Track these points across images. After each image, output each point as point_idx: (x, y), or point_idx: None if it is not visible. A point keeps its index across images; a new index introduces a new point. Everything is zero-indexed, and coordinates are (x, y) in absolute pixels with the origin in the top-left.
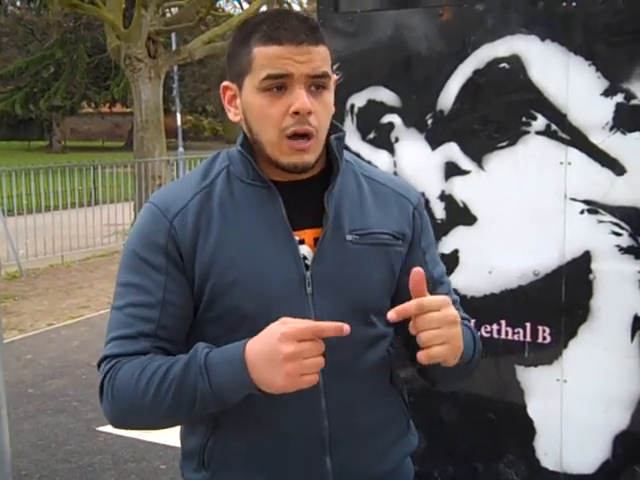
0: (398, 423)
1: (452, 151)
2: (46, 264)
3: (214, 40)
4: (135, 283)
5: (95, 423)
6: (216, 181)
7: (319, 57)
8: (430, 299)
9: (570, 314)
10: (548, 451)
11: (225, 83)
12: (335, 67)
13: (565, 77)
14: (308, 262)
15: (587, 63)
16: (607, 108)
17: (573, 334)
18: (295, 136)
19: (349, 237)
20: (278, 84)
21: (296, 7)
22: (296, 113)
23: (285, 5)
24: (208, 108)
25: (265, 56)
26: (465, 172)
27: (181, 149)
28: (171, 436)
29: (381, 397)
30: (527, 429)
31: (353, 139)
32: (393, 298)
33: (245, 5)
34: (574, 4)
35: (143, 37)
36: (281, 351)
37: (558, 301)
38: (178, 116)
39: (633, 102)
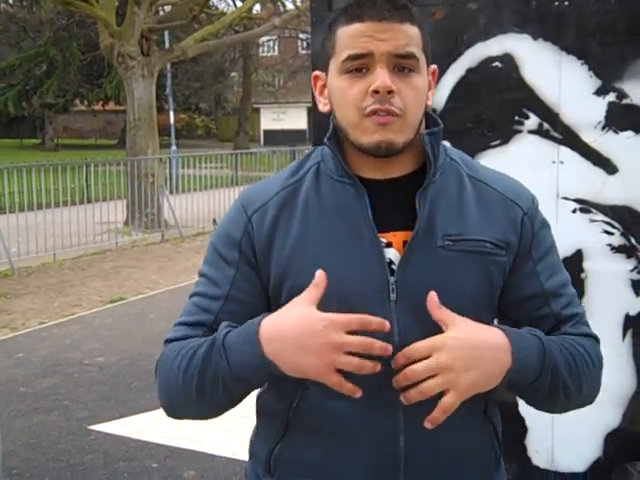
0: (485, 457)
1: None
2: (38, 262)
3: (207, 38)
4: (207, 274)
5: (86, 422)
6: (305, 177)
7: (404, 35)
8: (415, 345)
9: None
10: (539, 449)
11: (315, 73)
12: None
13: (557, 76)
14: (394, 267)
15: (579, 62)
16: (599, 107)
17: None
18: (376, 114)
19: (441, 242)
20: (359, 65)
21: (290, 5)
22: (376, 92)
23: (279, 4)
24: (201, 106)
25: (347, 35)
26: None
27: (174, 147)
28: (162, 435)
29: (469, 425)
30: (518, 427)
31: None
32: (501, 312)
33: (238, 3)
34: (566, 3)
35: (136, 35)
36: (326, 339)
37: None
38: (171, 114)
39: (625, 101)
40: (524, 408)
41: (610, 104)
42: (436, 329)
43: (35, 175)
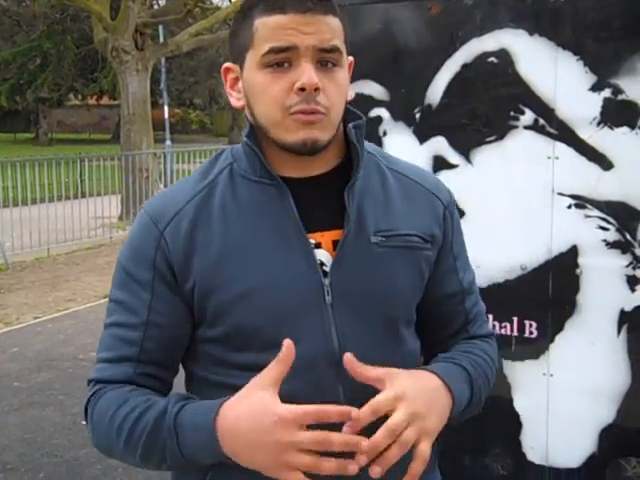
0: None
1: (440, 145)
2: (32, 257)
3: (202, 33)
4: (121, 300)
5: (81, 417)
6: (216, 181)
7: (328, 28)
8: (378, 400)
9: (557, 308)
10: (534, 445)
11: (226, 65)
12: None
13: (553, 72)
14: (327, 268)
15: (575, 58)
16: (595, 103)
17: (560, 328)
18: (301, 113)
19: (374, 239)
20: (282, 59)
21: None
22: (302, 90)
23: None
24: (196, 101)
25: (267, 27)
26: (453, 166)
27: (169, 142)
28: None
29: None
30: (513, 423)
31: None
32: (417, 309)
33: None
34: None
35: (130, 29)
36: (274, 438)
37: (545, 295)
38: (166, 109)
39: (620, 97)
40: (519, 404)
41: (606, 100)
42: (376, 333)
43: (29, 170)
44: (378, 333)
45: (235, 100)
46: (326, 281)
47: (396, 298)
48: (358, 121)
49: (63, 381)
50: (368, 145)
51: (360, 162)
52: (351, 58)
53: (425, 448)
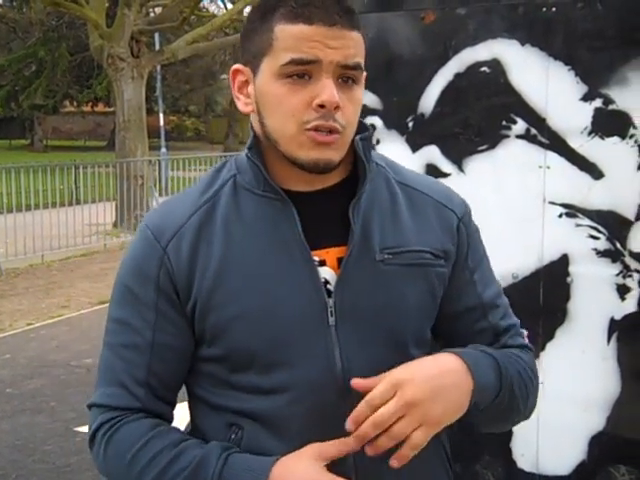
0: None
1: (433, 154)
2: (26, 263)
3: (197, 40)
4: (125, 320)
5: (73, 423)
6: (219, 194)
7: (353, 44)
8: (374, 391)
9: (548, 317)
10: (525, 452)
11: (236, 66)
12: None
13: (545, 82)
14: (331, 287)
15: (566, 68)
16: (586, 113)
17: (551, 336)
18: (317, 130)
19: (380, 256)
20: (302, 71)
21: None
22: (321, 107)
23: None
24: (191, 108)
25: (290, 36)
26: (445, 175)
27: (164, 149)
28: None
29: (424, 453)
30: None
31: None
32: (435, 327)
33: (229, 5)
34: (554, 9)
35: (126, 36)
36: None
37: (536, 304)
38: (161, 116)
39: (611, 107)
40: None
41: (597, 110)
42: (383, 355)
43: (24, 176)
44: (385, 356)
45: (242, 105)
46: (330, 301)
47: (404, 318)
48: (365, 133)
49: (55, 388)
50: (378, 156)
51: (366, 177)
52: (365, 73)
53: (419, 436)
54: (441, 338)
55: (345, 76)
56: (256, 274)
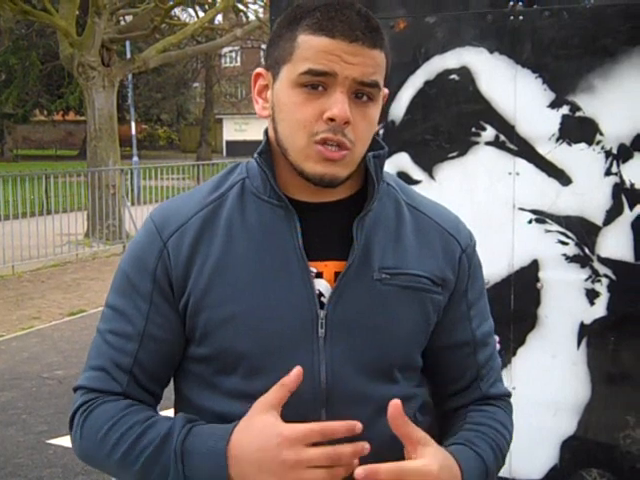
0: None
1: (403, 161)
2: None
3: (169, 49)
4: (119, 308)
5: (45, 436)
6: (227, 195)
7: (373, 62)
8: (412, 467)
9: (519, 322)
10: None
11: (258, 70)
12: None
13: (513, 89)
14: (324, 299)
15: (534, 76)
16: (553, 120)
17: (521, 342)
18: (326, 143)
19: (377, 275)
20: (317, 82)
21: (252, 16)
22: (332, 120)
23: (241, 15)
24: (163, 117)
25: (310, 47)
26: (416, 182)
27: (136, 158)
28: None
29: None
30: None
31: None
32: (425, 356)
33: (200, 14)
34: (521, 18)
35: (97, 45)
36: (281, 458)
37: (507, 310)
38: (133, 125)
39: (578, 114)
40: None
41: (564, 117)
42: (368, 373)
43: None
44: (369, 374)
45: (260, 108)
46: (321, 313)
47: (395, 340)
48: (379, 151)
49: (27, 400)
50: (390, 177)
51: (375, 194)
52: (386, 90)
53: None
54: (425, 366)
55: (360, 92)
56: (251, 278)
